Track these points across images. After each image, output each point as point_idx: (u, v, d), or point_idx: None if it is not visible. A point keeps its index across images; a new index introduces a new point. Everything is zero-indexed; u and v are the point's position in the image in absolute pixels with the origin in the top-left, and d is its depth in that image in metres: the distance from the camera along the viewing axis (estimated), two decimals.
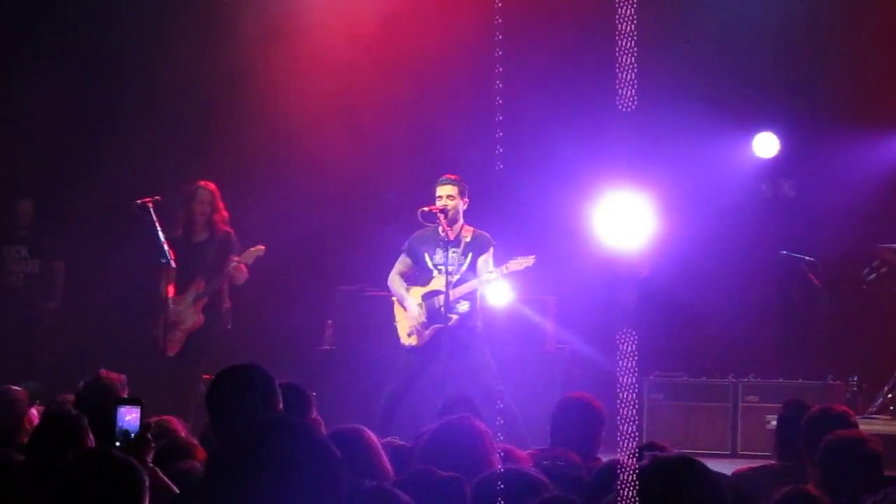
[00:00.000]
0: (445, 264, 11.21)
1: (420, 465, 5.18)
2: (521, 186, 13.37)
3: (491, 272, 11.23)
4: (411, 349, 11.41)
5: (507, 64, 13.53)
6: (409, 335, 11.45)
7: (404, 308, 11.51)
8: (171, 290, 12.00)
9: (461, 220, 11.42)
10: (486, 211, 11.93)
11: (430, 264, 11.44)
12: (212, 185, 12.22)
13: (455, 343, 11.11)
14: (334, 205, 13.98)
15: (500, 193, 12.74)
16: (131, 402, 5.38)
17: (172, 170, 13.67)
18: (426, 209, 11.32)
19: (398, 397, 11.32)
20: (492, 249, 11.40)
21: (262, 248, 11.98)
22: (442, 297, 11.16)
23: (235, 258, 12.00)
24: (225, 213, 12.22)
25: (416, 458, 5.24)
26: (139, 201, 11.78)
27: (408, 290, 11.54)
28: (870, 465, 5.72)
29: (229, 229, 12.19)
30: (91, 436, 5.85)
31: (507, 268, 11.32)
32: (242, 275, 12.10)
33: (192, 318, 12.11)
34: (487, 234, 11.47)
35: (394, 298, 11.69)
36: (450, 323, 11.12)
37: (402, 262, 11.65)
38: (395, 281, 11.64)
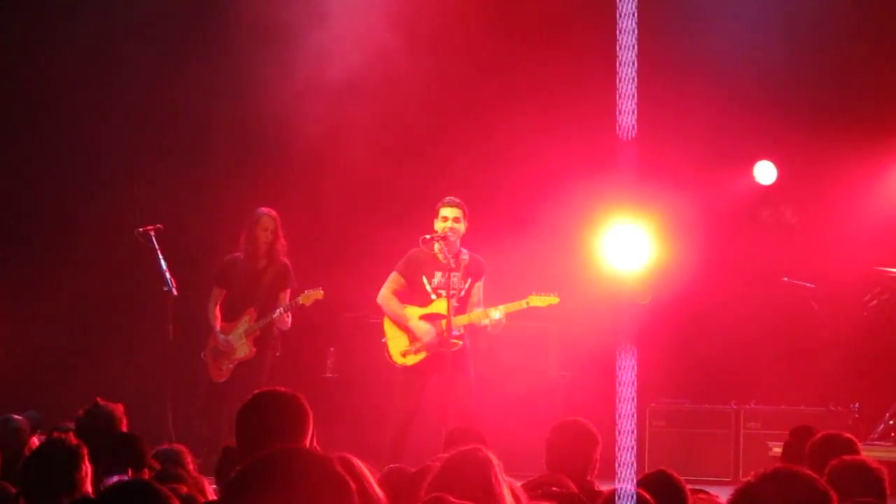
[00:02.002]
0: (447, 289, 11.17)
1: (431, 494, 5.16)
2: (522, 213, 13.38)
3: (498, 311, 11.21)
4: (407, 369, 11.37)
5: (509, 90, 13.61)
6: (405, 355, 11.39)
7: (403, 327, 11.42)
8: (218, 314, 12.02)
9: (458, 243, 11.41)
10: (485, 239, 11.93)
11: (428, 287, 11.38)
12: (274, 213, 12.17)
13: (451, 366, 11.11)
14: (336, 232, 13.98)
15: (501, 221, 12.75)
16: (119, 468, 5.38)
17: (171, 198, 13.71)
18: (428, 237, 11.30)
19: (407, 422, 11.26)
20: (484, 278, 11.42)
21: (322, 291, 11.92)
22: (443, 321, 11.14)
23: (289, 301, 11.96)
24: (285, 242, 12.18)
25: (427, 487, 5.22)
26: (141, 229, 11.81)
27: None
28: (875, 490, 5.73)
29: (287, 260, 12.16)
30: (88, 465, 5.86)
31: (527, 302, 11.31)
32: (286, 323, 12.07)
33: (243, 349, 12.05)
34: (482, 260, 11.47)
35: (385, 318, 11.59)
36: (454, 349, 11.12)
37: (395, 282, 11.53)
38: (390, 300, 11.50)
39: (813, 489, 4.22)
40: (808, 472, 4.34)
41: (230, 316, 12.09)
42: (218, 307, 12.12)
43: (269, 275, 12.07)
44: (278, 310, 11.94)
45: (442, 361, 11.06)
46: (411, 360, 11.36)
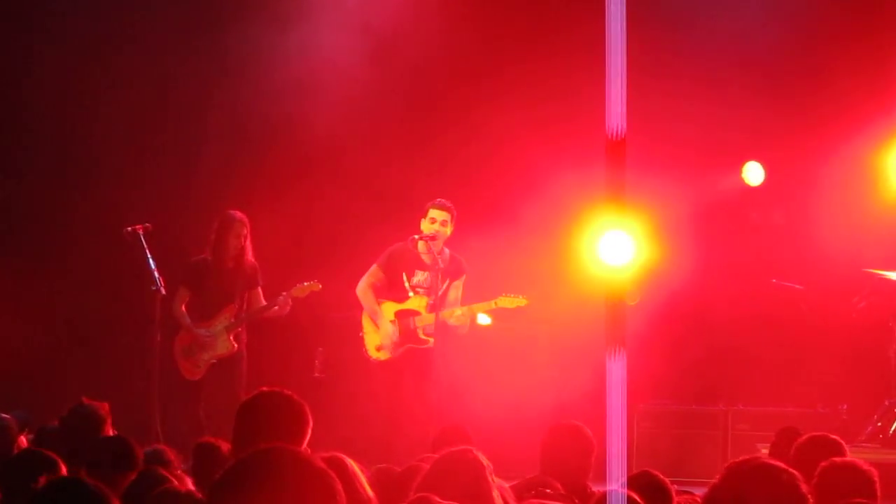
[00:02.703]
0: (426, 287, 11.28)
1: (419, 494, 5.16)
2: (510, 213, 13.37)
3: (462, 312, 11.30)
4: (382, 364, 11.47)
5: (497, 90, 13.60)
6: (379, 350, 11.47)
7: (376, 324, 11.53)
8: (185, 312, 12.04)
9: (442, 244, 11.49)
10: (473, 239, 11.95)
11: (406, 284, 11.48)
12: (245, 218, 12.16)
13: (428, 365, 11.18)
14: (324, 231, 13.97)
15: (488, 220, 12.74)
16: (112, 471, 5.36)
17: (160, 197, 13.69)
18: (416, 237, 11.37)
19: (394, 418, 11.31)
20: (464, 277, 11.47)
21: (318, 283, 11.94)
22: (417, 318, 11.27)
23: (285, 294, 11.99)
24: (251, 246, 12.18)
25: (417, 487, 5.22)
26: (129, 228, 11.79)
27: (379, 304, 11.58)
28: (867, 491, 5.72)
29: (255, 262, 12.18)
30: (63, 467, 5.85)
31: (496, 303, 11.38)
32: (287, 307, 12.05)
33: (224, 345, 12.05)
34: (462, 259, 11.54)
35: (364, 313, 11.70)
36: (427, 346, 11.22)
37: (374, 275, 11.66)
38: (367, 294, 11.65)
39: (779, 478, 4.21)
40: (773, 461, 4.33)
41: (203, 315, 12.12)
42: (183, 307, 12.14)
43: (241, 276, 12.11)
44: (283, 294, 11.95)
45: (414, 358, 11.18)
46: (384, 354, 11.44)
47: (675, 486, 6.33)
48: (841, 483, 5.69)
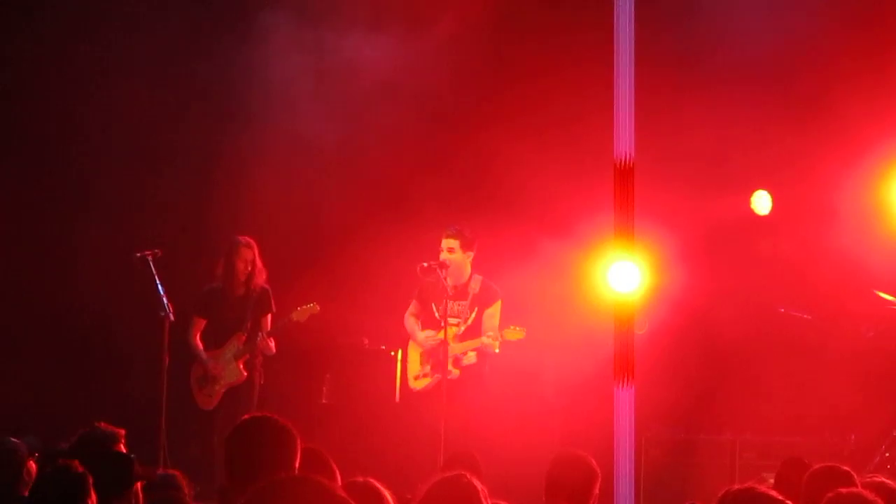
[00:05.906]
0: (454, 317, 11.34)
1: None
2: (518, 241, 13.38)
3: (490, 335, 11.31)
4: (418, 393, 11.51)
5: (505, 117, 13.63)
6: (416, 379, 11.53)
7: (416, 341, 11.61)
8: (200, 343, 12.05)
9: (468, 270, 11.54)
10: (482, 268, 11.95)
11: (437, 315, 11.54)
12: (252, 241, 12.20)
13: (457, 393, 11.19)
14: (332, 258, 13.98)
15: (497, 248, 12.75)
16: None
17: (169, 222, 13.71)
18: (425, 264, 11.39)
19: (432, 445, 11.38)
20: (499, 303, 11.47)
21: (317, 305, 11.95)
22: (447, 348, 11.28)
23: (280, 320, 12.01)
24: (263, 269, 12.20)
25: None
26: (139, 254, 11.82)
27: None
28: None
29: (267, 286, 12.19)
30: (93, 493, 5.85)
31: (503, 335, 11.42)
32: (270, 349, 12.09)
33: (234, 373, 12.08)
34: (496, 287, 11.55)
35: (409, 343, 11.84)
36: (450, 377, 11.22)
37: (413, 306, 11.93)
38: (407, 319, 11.91)
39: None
40: (769, 491, 4.34)
41: (215, 343, 12.15)
42: (198, 337, 12.17)
43: (251, 301, 12.12)
44: (260, 334, 11.98)
45: (447, 387, 11.21)
46: (420, 383, 11.52)
47: None
48: None
